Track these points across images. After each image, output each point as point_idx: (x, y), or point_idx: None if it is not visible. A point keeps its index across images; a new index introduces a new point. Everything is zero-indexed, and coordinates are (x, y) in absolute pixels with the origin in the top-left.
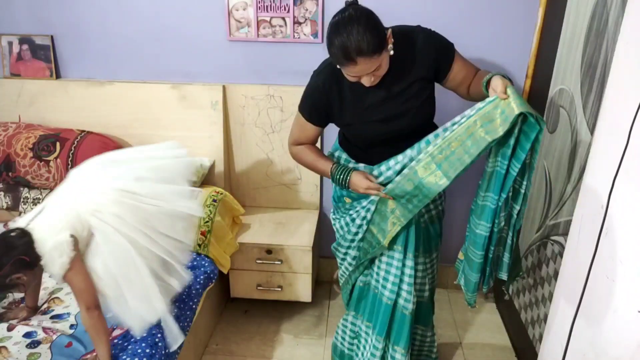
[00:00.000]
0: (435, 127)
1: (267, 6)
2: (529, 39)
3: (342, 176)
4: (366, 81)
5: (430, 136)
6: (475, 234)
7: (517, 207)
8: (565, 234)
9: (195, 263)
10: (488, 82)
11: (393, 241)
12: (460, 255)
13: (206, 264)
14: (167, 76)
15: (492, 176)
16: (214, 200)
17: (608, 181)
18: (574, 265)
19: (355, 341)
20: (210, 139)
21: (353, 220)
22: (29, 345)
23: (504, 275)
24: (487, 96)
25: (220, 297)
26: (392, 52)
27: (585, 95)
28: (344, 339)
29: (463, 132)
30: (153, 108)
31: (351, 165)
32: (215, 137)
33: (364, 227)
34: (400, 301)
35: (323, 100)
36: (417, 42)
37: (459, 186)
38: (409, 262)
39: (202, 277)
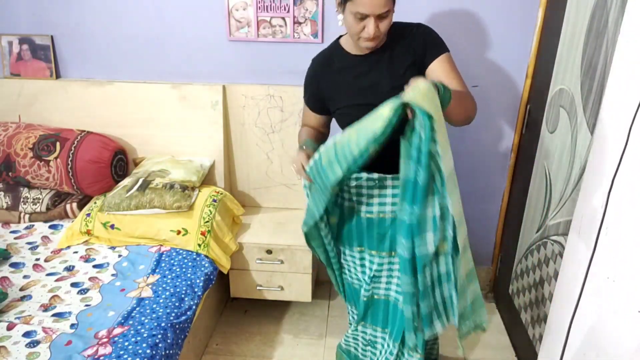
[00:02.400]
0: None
1: (267, 6)
2: (529, 39)
3: (300, 145)
4: (371, 28)
5: None
6: (397, 254)
7: (449, 230)
8: (565, 234)
9: (195, 263)
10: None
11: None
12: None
13: (206, 264)
14: (167, 76)
15: (403, 183)
16: (214, 200)
17: (608, 181)
18: (574, 265)
19: (369, 348)
20: (210, 139)
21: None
22: (29, 345)
23: (454, 322)
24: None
25: (220, 297)
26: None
27: (585, 95)
28: (356, 344)
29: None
30: (153, 108)
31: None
32: (215, 137)
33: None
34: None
35: (314, 84)
36: (411, 33)
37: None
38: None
39: (202, 277)
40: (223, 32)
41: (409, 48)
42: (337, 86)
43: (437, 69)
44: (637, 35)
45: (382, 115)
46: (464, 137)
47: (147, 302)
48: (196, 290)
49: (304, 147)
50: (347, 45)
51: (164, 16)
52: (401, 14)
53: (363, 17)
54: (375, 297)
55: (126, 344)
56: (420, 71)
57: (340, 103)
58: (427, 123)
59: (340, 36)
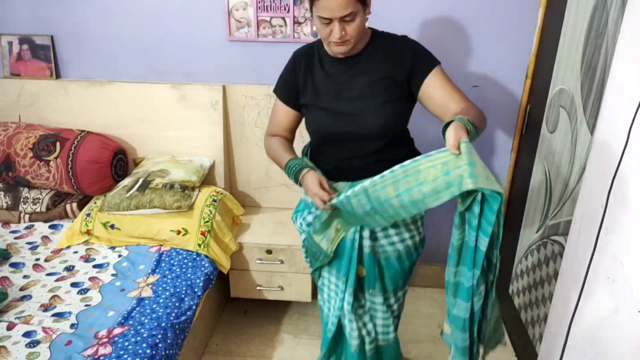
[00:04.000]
0: (404, 148)
1: (267, 6)
2: (529, 39)
3: (298, 167)
4: (336, 32)
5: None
6: (453, 316)
7: (491, 276)
8: (565, 234)
9: (195, 263)
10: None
11: (339, 264)
12: (447, 329)
13: (206, 264)
14: (167, 76)
15: (462, 249)
16: (214, 200)
17: (608, 181)
18: (574, 265)
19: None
20: (210, 139)
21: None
22: (29, 345)
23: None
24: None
25: (220, 297)
26: (368, 17)
27: (585, 95)
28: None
29: (401, 180)
30: (153, 108)
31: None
32: (215, 137)
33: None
34: (346, 330)
35: (292, 76)
36: (394, 43)
37: None
38: (349, 297)
39: (202, 277)
40: (223, 32)
41: (392, 61)
42: (314, 83)
43: (434, 84)
44: (637, 35)
45: (438, 197)
46: None
47: (147, 302)
48: (196, 290)
49: (307, 167)
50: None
51: (164, 16)
52: (401, 14)
53: (328, 22)
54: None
55: (126, 344)
56: (410, 87)
57: (307, 99)
58: (496, 201)
59: None
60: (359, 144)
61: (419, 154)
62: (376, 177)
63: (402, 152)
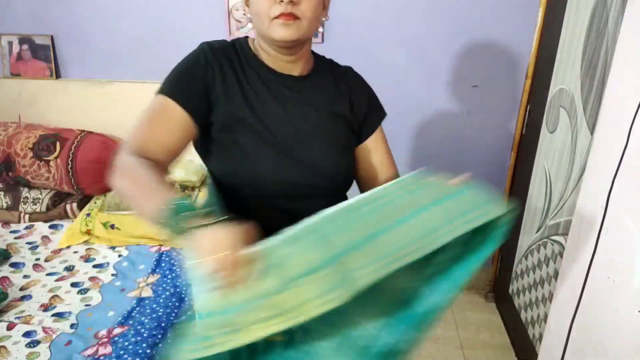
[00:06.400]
0: None
1: None
2: (529, 39)
3: (200, 207)
4: (282, 5)
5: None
6: None
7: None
8: (565, 234)
9: None
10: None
11: None
12: None
13: None
14: None
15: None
16: None
17: (608, 181)
18: (574, 265)
19: None
20: None
21: None
22: (29, 345)
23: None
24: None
25: None
26: (324, 20)
27: (585, 95)
28: None
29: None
30: None
31: None
32: None
33: None
34: None
35: (203, 72)
36: (345, 76)
37: None
38: None
39: None
40: (223, 32)
41: (343, 98)
42: (241, 90)
43: (379, 141)
44: (637, 35)
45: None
46: (464, 136)
47: (147, 301)
48: None
49: (217, 211)
50: (261, 53)
51: (163, 16)
52: (401, 13)
53: None
54: None
55: (126, 343)
56: (354, 132)
57: (228, 114)
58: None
59: (247, 37)
60: (308, 203)
61: None
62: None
63: None
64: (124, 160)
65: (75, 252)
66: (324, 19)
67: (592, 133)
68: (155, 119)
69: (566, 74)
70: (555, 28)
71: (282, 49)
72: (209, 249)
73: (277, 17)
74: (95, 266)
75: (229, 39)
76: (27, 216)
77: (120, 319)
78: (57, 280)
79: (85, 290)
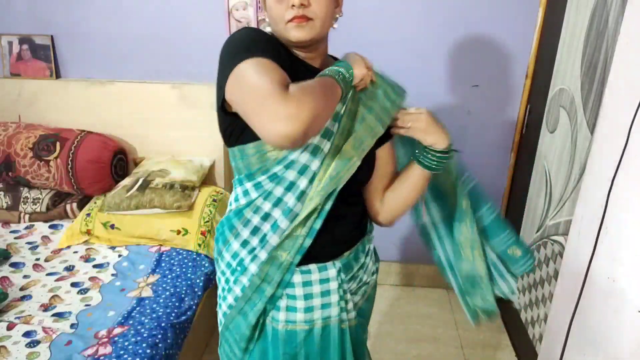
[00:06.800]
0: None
1: None
2: (529, 39)
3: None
4: (294, 9)
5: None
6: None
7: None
8: (565, 234)
9: (195, 263)
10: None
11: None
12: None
13: (206, 264)
14: (167, 76)
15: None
16: (214, 200)
17: (607, 181)
18: (574, 265)
19: None
20: (210, 138)
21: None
22: (29, 345)
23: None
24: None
25: None
26: (337, 17)
27: (585, 95)
28: None
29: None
30: (153, 108)
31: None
32: (215, 137)
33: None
34: None
35: (278, 50)
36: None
37: None
38: None
39: (202, 277)
40: (223, 32)
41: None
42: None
43: (388, 154)
44: (637, 35)
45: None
46: (464, 136)
47: (147, 302)
48: (196, 290)
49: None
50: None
51: (164, 16)
52: (400, 13)
53: None
54: None
55: (126, 343)
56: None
57: None
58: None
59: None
60: (348, 202)
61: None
62: None
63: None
64: (291, 90)
65: (75, 252)
66: (337, 16)
67: (592, 133)
68: (271, 67)
69: (566, 74)
70: (555, 28)
71: (300, 47)
72: (362, 61)
73: (290, 21)
74: (95, 266)
75: None
76: (27, 216)
77: (120, 319)
78: (57, 280)
79: (85, 290)
